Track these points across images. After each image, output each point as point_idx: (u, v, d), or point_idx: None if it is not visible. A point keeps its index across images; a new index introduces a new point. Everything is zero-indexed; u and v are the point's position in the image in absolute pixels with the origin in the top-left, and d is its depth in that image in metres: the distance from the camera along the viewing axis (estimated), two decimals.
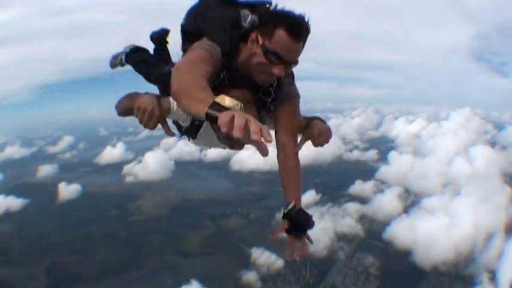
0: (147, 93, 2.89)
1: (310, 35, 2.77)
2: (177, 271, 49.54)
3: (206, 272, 47.61)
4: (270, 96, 3.08)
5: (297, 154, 3.14)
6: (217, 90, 2.43)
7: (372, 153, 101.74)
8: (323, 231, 54.68)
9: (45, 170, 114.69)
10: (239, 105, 2.04)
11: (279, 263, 49.26)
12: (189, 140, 3.46)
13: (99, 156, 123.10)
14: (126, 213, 71.52)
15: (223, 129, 1.75)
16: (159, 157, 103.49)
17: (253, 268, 49.62)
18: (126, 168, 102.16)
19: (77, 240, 62.95)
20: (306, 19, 2.70)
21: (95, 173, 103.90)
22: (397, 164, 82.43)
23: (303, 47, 2.76)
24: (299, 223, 2.89)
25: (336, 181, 76.96)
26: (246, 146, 2.43)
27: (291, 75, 3.22)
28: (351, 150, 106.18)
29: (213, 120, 1.97)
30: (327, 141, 3.39)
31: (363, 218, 61.42)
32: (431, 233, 53.22)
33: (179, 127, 3.32)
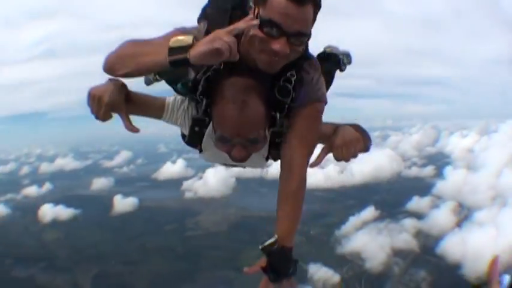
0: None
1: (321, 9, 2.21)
2: (231, 286, 49.16)
3: None
4: (289, 96, 2.41)
5: (302, 175, 2.42)
6: (212, 84, 2.29)
7: (429, 169, 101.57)
8: (380, 247, 56.02)
9: (100, 183, 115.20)
10: (192, 37, 2.04)
11: (335, 278, 50.11)
12: (199, 153, 2.91)
13: (158, 172, 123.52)
14: (183, 228, 71.47)
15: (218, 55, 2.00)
16: (220, 174, 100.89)
17: (309, 283, 49.35)
18: (186, 184, 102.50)
19: (129, 252, 63.21)
20: None
21: (152, 188, 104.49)
22: (452, 179, 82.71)
23: (314, 15, 2.17)
24: (275, 265, 2.33)
25: (394, 198, 76.93)
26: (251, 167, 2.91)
27: (324, 75, 2.61)
28: (409, 167, 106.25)
29: (178, 65, 2.04)
30: (354, 155, 2.54)
31: (418, 234, 61.63)
32: (480, 246, 51.99)
33: (183, 137, 2.84)
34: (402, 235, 60.84)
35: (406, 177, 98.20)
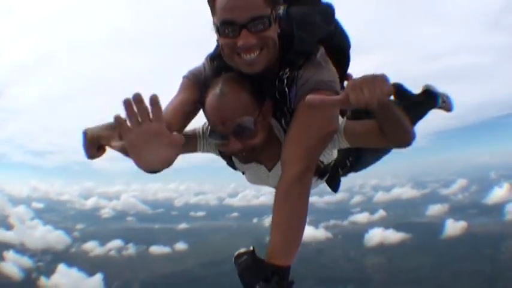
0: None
1: None
2: None
3: None
4: (285, 97, 2.28)
5: (291, 176, 2.07)
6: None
7: None
8: None
9: (435, 209, 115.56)
10: None
11: None
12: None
13: (487, 198, 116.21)
14: (497, 252, 67.87)
15: None
16: None
17: None
18: (508, 207, 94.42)
19: (443, 276, 62.92)
20: None
21: (479, 214, 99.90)
22: None
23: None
24: (245, 279, 2.01)
25: None
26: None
27: (318, 61, 2.29)
28: None
29: None
30: (380, 96, 1.75)
31: None
32: None
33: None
34: None
35: None
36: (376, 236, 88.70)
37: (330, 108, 2.07)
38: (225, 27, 2.07)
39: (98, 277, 64.10)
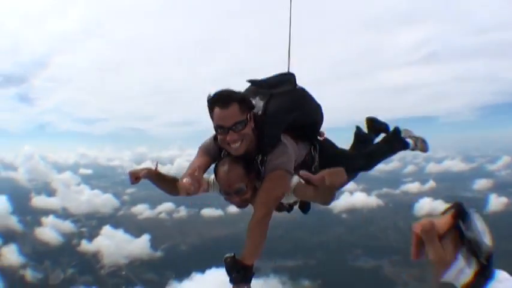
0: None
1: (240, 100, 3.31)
2: None
3: None
4: (260, 171, 3.48)
5: (256, 218, 3.36)
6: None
7: None
8: None
9: (481, 184, 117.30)
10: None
11: None
12: None
13: None
14: None
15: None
16: None
17: None
18: None
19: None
20: (224, 90, 3.32)
21: None
22: None
23: (241, 106, 3.28)
24: (228, 272, 3.20)
25: None
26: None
27: (278, 148, 3.44)
28: None
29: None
30: (338, 185, 2.77)
31: None
32: None
33: None
34: None
35: None
36: (425, 206, 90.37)
37: (311, 182, 2.66)
38: (218, 129, 3.31)
39: (145, 238, 64.95)
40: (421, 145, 4.89)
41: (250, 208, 3.51)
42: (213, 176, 3.70)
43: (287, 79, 3.84)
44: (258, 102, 3.57)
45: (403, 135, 4.79)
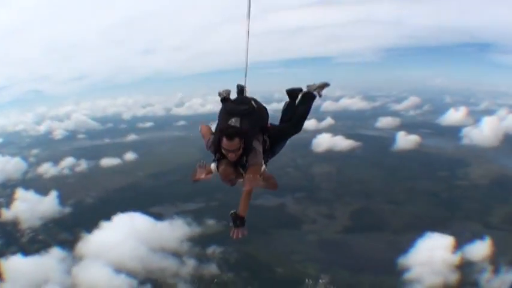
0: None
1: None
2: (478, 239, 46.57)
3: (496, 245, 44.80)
4: (244, 164, 5.20)
5: (246, 190, 5.12)
6: (220, 159, 5.25)
7: None
8: None
9: (385, 122, 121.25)
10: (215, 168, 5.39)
11: None
12: None
13: (441, 119, 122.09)
14: (453, 177, 69.84)
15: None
16: (494, 124, 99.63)
17: None
18: (465, 130, 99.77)
19: (396, 192, 64.29)
20: (230, 128, 5.16)
21: (433, 135, 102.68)
22: None
23: (241, 139, 4.99)
24: (233, 221, 4.99)
25: None
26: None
27: (254, 155, 5.25)
28: None
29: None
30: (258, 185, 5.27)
31: None
32: None
33: None
34: None
35: None
36: (324, 141, 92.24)
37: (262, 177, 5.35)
38: (224, 150, 5.02)
39: (52, 195, 63.30)
40: (322, 87, 6.36)
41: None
42: (213, 164, 5.44)
43: (248, 101, 5.62)
44: (235, 122, 5.33)
45: (308, 90, 6.30)
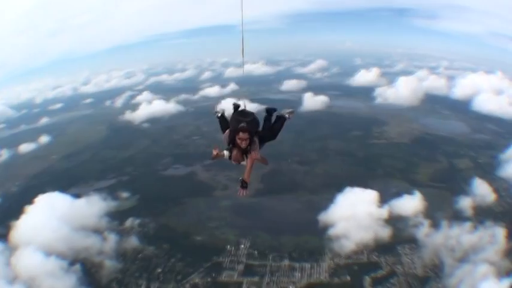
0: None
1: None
2: (402, 195, 47.50)
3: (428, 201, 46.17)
4: (249, 149, 7.63)
5: (249, 165, 7.50)
6: (231, 148, 7.76)
7: None
8: None
9: (290, 84, 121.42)
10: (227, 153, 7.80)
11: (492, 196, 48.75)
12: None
13: (352, 79, 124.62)
14: (368, 136, 71.10)
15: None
16: (412, 85, 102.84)
17: (471, 195, 48.27)
18: (378, 91, 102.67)
19: (308, 152, 64.40)
20: (244, 126, 7.52)
21: (344, 96, 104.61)
22: None
23: (251, 131, 7.47)
24: (241, 183, 7.43)
25: None
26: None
27: (255, 144, 7.69)
28: None
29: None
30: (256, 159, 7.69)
31: None
32: None
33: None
34: None
35: None
36: (228, 106, 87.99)
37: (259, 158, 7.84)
38: (239, 141, 7.57)
39: None
40: (292, 112, 8.87)
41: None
42: (226, 152, 7.68)
43: (250, 114, 8.01)
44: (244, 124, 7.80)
45: (282, 112, 8.88)
